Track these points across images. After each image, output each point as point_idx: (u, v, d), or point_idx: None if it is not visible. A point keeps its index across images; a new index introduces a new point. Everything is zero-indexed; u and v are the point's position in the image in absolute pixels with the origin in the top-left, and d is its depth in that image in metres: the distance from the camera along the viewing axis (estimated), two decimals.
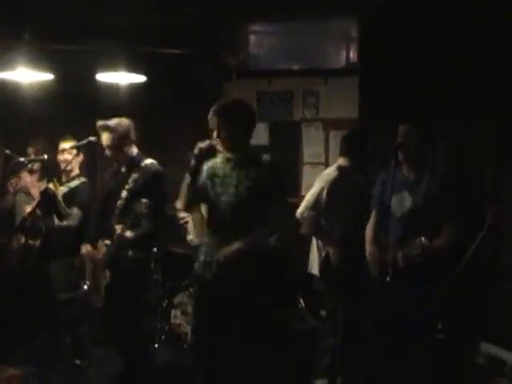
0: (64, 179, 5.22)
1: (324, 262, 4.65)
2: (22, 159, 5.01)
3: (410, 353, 3.96)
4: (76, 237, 5.03)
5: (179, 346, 5.52)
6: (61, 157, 5.16)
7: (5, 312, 5.13)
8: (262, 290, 3.92)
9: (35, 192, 5.20)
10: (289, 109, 6.67)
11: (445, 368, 4.12)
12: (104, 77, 5.38)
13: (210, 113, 3.78)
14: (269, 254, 4.01)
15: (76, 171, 5.28)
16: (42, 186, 5.01)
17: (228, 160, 3.83)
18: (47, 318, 5.15)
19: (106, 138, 4.36)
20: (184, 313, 5.62)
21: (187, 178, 3.78)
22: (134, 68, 5.24)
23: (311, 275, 5.26)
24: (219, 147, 3.82)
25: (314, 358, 4.87)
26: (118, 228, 4.28)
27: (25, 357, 4.71)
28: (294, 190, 6.38)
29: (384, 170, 4.08)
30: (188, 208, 4.09)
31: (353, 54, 6.25)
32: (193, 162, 3.71)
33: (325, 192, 4.58)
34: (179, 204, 3.89)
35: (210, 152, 3.77)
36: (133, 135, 4.42)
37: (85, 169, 5.47)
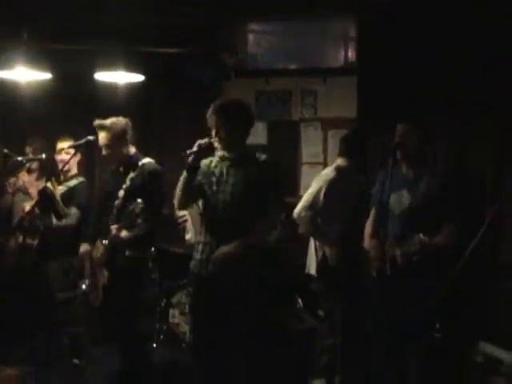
0: (62, 178, 5.21)
1: (321, 262, 4.65)
2: (20, 158, 5.01)
3: (408, 352, 3.97)
4: (74, 236, 5.02)
5: (177, 346, 5.52)
6: (58, 157, 5.16)
7: (2, 311, 5.13)
8: (259, 289, 3.92)
9: (33, 191, 5.19)
10: (287, 108, 6.68)
11: (442, 367, 4.12)
12: (102, 76, 5.38)
13: (209, 111, 3.77)
14: (266, 254, 4.01)
15: (74, 171, 5.27)
16: (40, 185, 5.00)
17: (225, 159, 3.84)
18: (45, 317, 5.15)
19: (102, 137, 4.36)
20: (182, 312, 5.63)
21: (184, 176, 3.78)
22: (131, 67, 5.24)
23: (309, 275, 5.26)
24: (217, 146, 3.83)
25: (312, 357, 4.87)
26: (113, 228, 4.28)
27: (22, 356, 4.70)
28: (293, 190, 6.38)
29: (383, 170, 4.08)
30: (183, 206, 4.08)
31: (351, 54, 6.24)
32: (191, 158, 3.71)
33: (322, 192, 4.58)
34: (175, 202, 3.89)
35: (209, 150, 3.77)
36: (130, 134, 4.42)
37: (83, 168, 5.46)
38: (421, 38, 4.91)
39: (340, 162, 4.70)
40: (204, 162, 3.87)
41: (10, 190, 5.43)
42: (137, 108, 6.13)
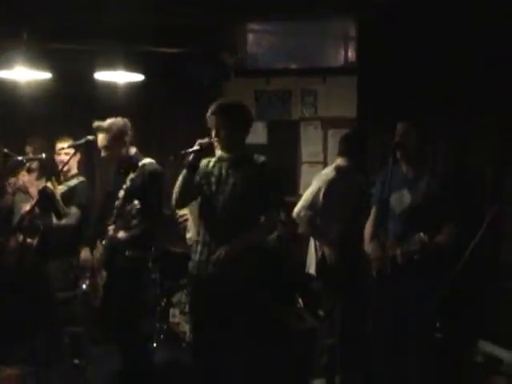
0: (62, 178, 5.21)
1: (320, 262, 4.65)
2: (20, 158, 5.01)
3: (408, 351, 3.97)
4: (74, 236, 5.04)
5: (178, 345, 5.52)
6: (58, 157, 5.16)
7: (3, 311, 5.13)
8: (259, 289, 3.92)
9: (33, 191, 5.19)
10: (287, 108, 6.67)
11: (442, 366, 4.12)
12: (102, 76, 5.37)
13: (209, 112, 3.78)
14: (266, 254, 4.02)
15: (74, 170, 5.28)
16: (41, 184, 5.00)
17: (224, 159, 3.85)
18: (45, 317, 5.15)
19: (101, 138, 4.35)
20: (182, 312, 5.63)
21: (183, 174, 3.78)
22: (131, 67, 5.24)
23: (309, 275, 5.26)
24: (217, 146, 3.83)
25: (312, 357, 4.88)
26: (110, 229, 4.28)
27: (23, 356, 4.70)
28: (292, 189, 6.38)
29: (383, 170, 4.08)
30: (181, 205, 4.08)
31: (351, 53, 6.25)
32: (192, 157, 3.72)
33: (322, 192, 4.58)
34: (172, 200, 3.89)
35: (210, 149, 3.78)
36: (129, 135, 4.40)
37: (83, 168, 5.46)
38: (421, 37, 4.92)
39: (340, 161, 4.69)
40: (202, 162, 3.88)
41: (10, 189, 5.42)
42: (137, 108, 6.12)
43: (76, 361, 5.07)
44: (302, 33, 5.69)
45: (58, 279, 5.12)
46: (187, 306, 5.37)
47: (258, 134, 6.45)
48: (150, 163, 4.39)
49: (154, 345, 5.52)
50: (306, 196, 4.65)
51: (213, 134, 3.78)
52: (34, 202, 4.92)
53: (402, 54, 5.04)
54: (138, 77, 5.46)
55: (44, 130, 5.81)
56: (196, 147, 3.71)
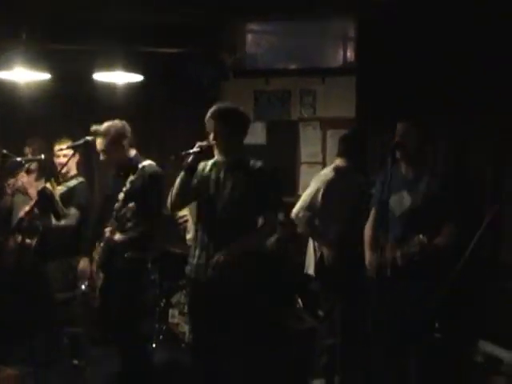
0: (61, 179, 5.20)
1: (319, 263, 4.65)
2: (19, 159, 5.00)
3: (408, 352, 3.97)
4: (74, 237, 5.03)
5: (177, 346, 5.52)
6: (57, 159, 5.15)
7: (2, 312, 5.12)
8: (258, 291, 3.92)
9: (33, 192, 5.18)
10: (286, 108, 6.67)
11: (442, 366, 4.13)
12: (101, 76, 5.37)
13: (207, 116, 3.79)
14: (265, 256, 4.03)
15: (73, 171, 5.27)
16: (40, 185, 4.99)
17: (221, 163, 3.86)
18: (44, 317, 5.14)
19: (99, 142, 4.34)
20: (182, 312, 5.63)
21: (181, 176, 3.78)
22: (131, 67, 5.24)
23: (308, 275, 5.26)
24: (215, 150, 3.84)
25: (312, 357, 4.87)
26: (107, 231, 4.27)
27: (22, 357, 4.69)
28: (291, 190, 6.38)
29: (383, 171, 4.07)
30: (177, 207, 4.07)
31: (350, 54, 6.25)
32: (191, 159, 3.72)
33: (320, 193, 4.58)
34: (168, 202, 3.89)
35: (209, 152, 3.78)
36: (128, 137, 4.38)
37: (82, 169, 5.45)
38: (420, 38, 4.92)
39: (339, 162, 4.69)
40: (201, 166, 3.88)
41: (9, 190, 5.41)
42: (136, 108, 6.12)
43: (75, 361, 5.06)
44: (301, 33, 5.69)
45: (58, 280, 5.11)
46: (186, 307, 5.37)
47: (257, 134, 6.46)
48: (150, 165, 4.38)
49: (154, 345, 5.52)
50: (305, 197, 4.65)
51: (211, 137, 3.78)
52: (32, 202, 4.91)
53: (401, 54, 5.04)
54: (137, 77, 5.46)
55: (43, 130, 5.81)
56: (196, 149, 3.71)
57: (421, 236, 3.70)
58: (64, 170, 5.04)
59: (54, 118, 6.22)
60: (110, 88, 5.68)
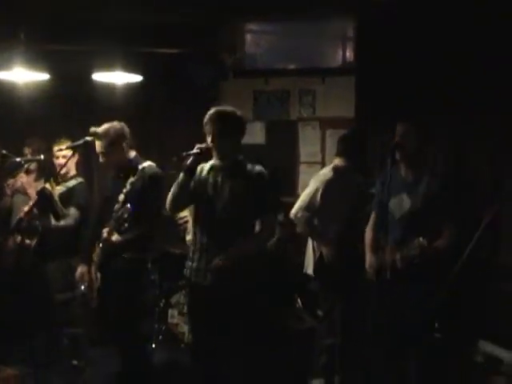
0: (61, 179, 5.20)
1: (318, 262, 4.65)
2: (18, 159, 4.99)
3: (408, 352, 3.96)
4: (73, 237, 5.02)
5: (176, 346, 5.52)
6: (56, 160, 5.15)
7: (2, 312, 5.12)
8: (258, 291, 3.93)
9: (32, 192, 5.17)
10: (285, 108, 6.67)
11: (442, 366, 4.12)
12: (100, 76, 5.37)
13: (205, 119, 3.79)
14: (264, 258, 4.04)
15: (73, 171, 5.27)
16: (39, 186, 4.98)
17: (218, 167, 3.87)
18: (44, 318, 5.14)
19: (97, 144, 4.33)
20: (181, 312, 5.62)
21: (180, 178, 3.78)
22: (130, 68, 5.24)
23: (307, 275, 5.26)
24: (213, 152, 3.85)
25: (311, 357, 4.87)
26: (104, 231, 4.27)
27: (22, 357, 4.70)
28: (290, 190, 6.39)
29: (382, 172, 4.06)
30: (176, 209, 4.08)
31: (349, 53, 6.26)
32: (190, 161, 3.72)
33: (319, 193, 4.58)
34: (167, 204, 3.89)
35: (208, 154, 3.79)
36: (128, 139, 4.38)
37: (81, 169, 5.45)
38: (420, 37, 4.92)
39: (338, 162, 4.69)
40: (199, 168, 3.88)
41: (8, 190, 5.41)
42: (136, 108, 6.12)
43: (75, 362, 5.06)
44: (300, 33, 5.70)
45: (57, 280, 5.11)
46: (185, 308, 5.37)
47: (256, 134, 6.47)
48: (150, 166, 4.37)
49: (153, 346, 5.52)
50: (304, 196, 4.65)
51: (209, 140, 3.79)
52: (32, 203, 4.91)
53: (401, 54, 5.05)
54: (137, 77, 5.46)
55: (42, 131, 5.79)
56: (195, 151, 3.71)
57: (421, 239, 3.69)
58: (63, 171, 5.03)
59: (54, 119, 6.22)
60: (109, 88, 5.68)
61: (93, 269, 4.45)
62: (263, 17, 5.19)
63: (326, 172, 4.73)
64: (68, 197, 5.11)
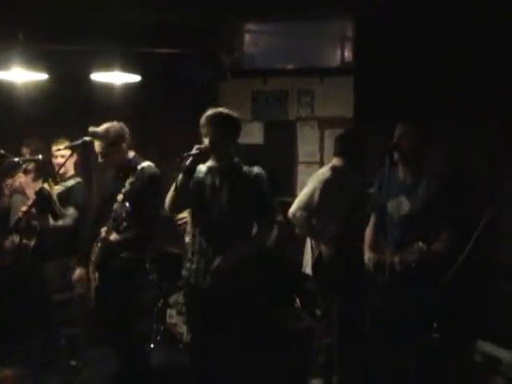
0: (59, 179, 5.20)
1: (317, 261, 4.65)
2: (16, 159, 4.98)
3: (406, 352, 3.96)
4: (71, 237, 5.02)
5: (175, 346, 5.51)
6: (55, 160, 5.15)
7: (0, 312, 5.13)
8: (257, 291, 3.94)
9: (30, 192, 5.17)
10: (284, 108, 6.67)
11: (441, 366, 4.13)
12: (99, 76, 5.37)
13: (201, 121, 3.80)
14: (263, 258, 4.04)
15: (71, 171, 5.26)
16: (37, 186, 4.98)
17: (215, 168, 3.88)
18: (42, 318, 5.14)
19: (96, 144, 4.33)
20: (179, 312, 5.62)
21: (179, 178, 3.78)
22: (128, 68, 5.23)
23: (305, 275, 5.26)
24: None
25: (310, 357, 4.87)
26: (103, 231, 4.27)
27: (19, 357, 4.70)
28: (289, 190, 6.39)
29: (381, 172, 4.05)
30: (175, 210, 4.08)
31: (348, 53, 6.26)
32: (189, 161, 3.72)
33: (317, 192, 4.58)
34: (166, 205, 3.89)
35: (207, 155, 3.79)
36: (127, 139, 4.38)
37: (80, 169, 5.45)
38: (419, 38, 4.92)
39: (335, 161, 4.69)
40: (197, 169, 3.88)
41: (6, 191, 5.41)
42: (134, 109, 6.12)
43: (73, 362, 5.06)
44: (298, 33, 5.70)
45: (55, 280, 5.10)
46: (184, 308, 5.36)
47: (254, 134, 6.47)
48: (149, 166, 4.37)
49: (151, 346, 5.51)
50: (302, 196, 4.65)
51: (206, 141, 3.79)
52: (30, 203, 4.91)
53: (400, 54, 5.05)
54: (135, 77, 5.46)
55: (41, 131, 5.79)
56: (194, 151, 3.71)
57: (420, 244, 3.68)
58: (62, 171, 5.03)
59: (52, 119, 6.21)
60: (107, 88, 5.68)
61: (91, 269, 4.45)
62: (263, 17, 5.19)
63: (323, 171, 4.73)
64: (66, 197, 5.10)
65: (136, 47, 5.41)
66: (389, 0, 4.65)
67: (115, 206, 4.29)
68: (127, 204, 4.10)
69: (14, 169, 5.26)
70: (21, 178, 5.34)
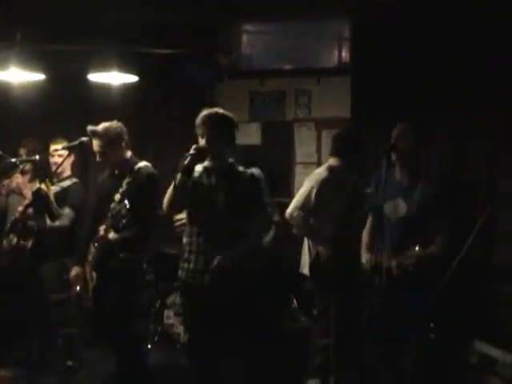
0: (56, 179, 5.19)
1: (314, 262, 4.65)
2: (13, 160, 4.99)
3: (403, 352, 3.97)
4: (68, 237, 5.01)
5: (172, 346, 5.51)
6: (52, 159, 5.14)
7: None
8: (255, 293, 3.94)
9: (27, 193, 5.17)
10: (281, 109, 6.67)
11: (437, 367, 4.13)
12: (96, 77, 5.36)
13: (197, 121, 3.80)
14: (262, 259, 4.05)
15: (68, 172, 5.26)
16: (34, 186, 4.98)
17: (212, 169, 3.89)
18: (39, 318, 5.13)
19: (95, 143, 4.33)
20: (177, 313, 5.62)
21: (178, 178, 3.78)
22: (125, 68, 5.23)
23: (303, 275, 5.26)
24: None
25: (306, 357, 4.87)
26: (101, 229, 4.27)
27: (16, 358, 4.69)
28: (286, 190, 6.39)
29: (378, 172, 4.06)
30: (174, 210, 4.09)
31: (345, 54, 6.25)
32: (187, 161, 3.72)
33: (314, 192, 4.58)
34: (164, 205, 3.90)
35: (205, 155, 3.80)
36: (124, 139, 4.38)
37: (77, 169, 5.45)
38: (418, 38, 4.92)
39: (332, 161, 4.69)
40: (194, 169, 3.89)
41: (3, 191, 5.41)
42: (131, 109, 6.12)
43: (70, 362, 5.06)
44: (296, 34, 5.69)
45: (52, 281, 5.10)
46: (181, 309, 5.36)
47: (252, 134, 6.48)
48: (146, 166, 4.37)
49: (149, 346, 5.51)
50: (299, 196, 4.65)
51: (202, 141, 3.80)
52: (27, 203, 4.91)
53: (397, 55, 5.05)
54: (133, 78, 5.45)
55: (38, 131, 5.80)
56: (193, 151, 3.72)
57: (417, 248, 3.68)
58: (58, 171, 5.03)
59: (49, 119, 6.21)
60: (105, 88, 5.67)
61: (88, 269, 4.45)
62: (263, 17, 5.19)
63: (320, 171, 4.72)
64: (63, 197, 5.10)
65: (133, 47, 5.41)
66: (388, 0, 4.64)
67: (112, 205, 4.29)
68: (126, 201, 4.09)
69: (11, 169, 5.25)
70: (18, 179, 5.34)
